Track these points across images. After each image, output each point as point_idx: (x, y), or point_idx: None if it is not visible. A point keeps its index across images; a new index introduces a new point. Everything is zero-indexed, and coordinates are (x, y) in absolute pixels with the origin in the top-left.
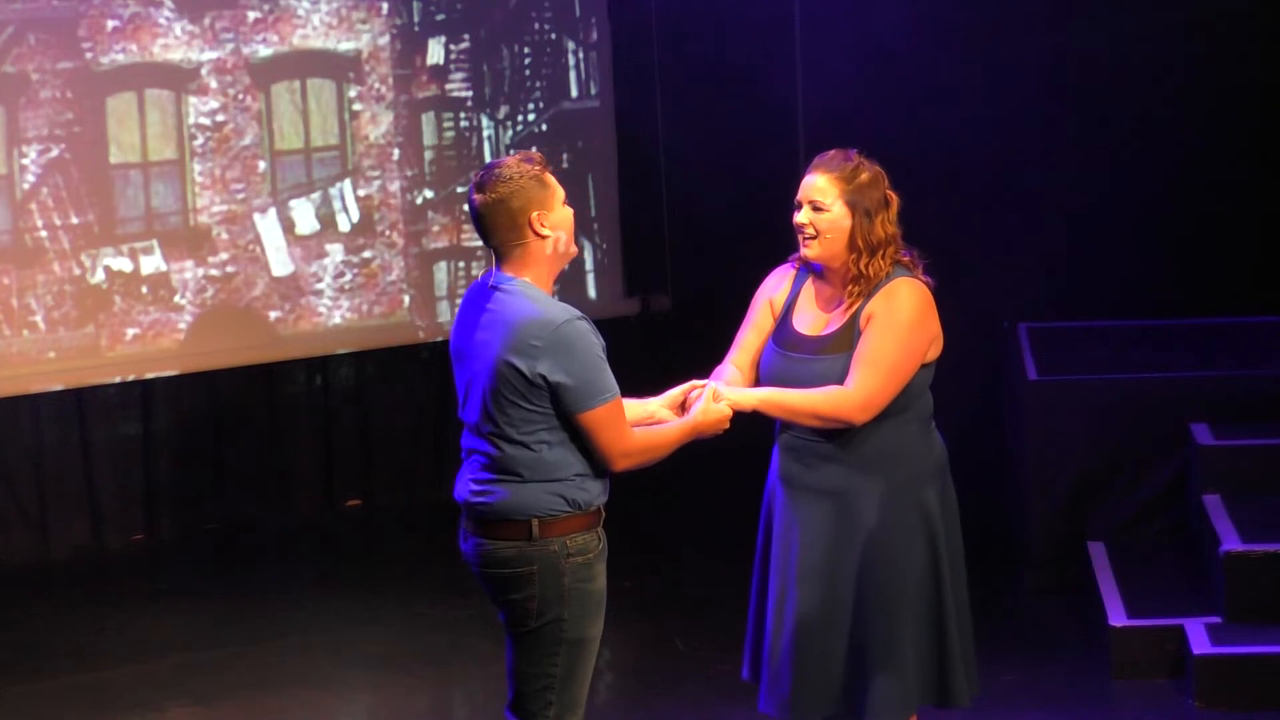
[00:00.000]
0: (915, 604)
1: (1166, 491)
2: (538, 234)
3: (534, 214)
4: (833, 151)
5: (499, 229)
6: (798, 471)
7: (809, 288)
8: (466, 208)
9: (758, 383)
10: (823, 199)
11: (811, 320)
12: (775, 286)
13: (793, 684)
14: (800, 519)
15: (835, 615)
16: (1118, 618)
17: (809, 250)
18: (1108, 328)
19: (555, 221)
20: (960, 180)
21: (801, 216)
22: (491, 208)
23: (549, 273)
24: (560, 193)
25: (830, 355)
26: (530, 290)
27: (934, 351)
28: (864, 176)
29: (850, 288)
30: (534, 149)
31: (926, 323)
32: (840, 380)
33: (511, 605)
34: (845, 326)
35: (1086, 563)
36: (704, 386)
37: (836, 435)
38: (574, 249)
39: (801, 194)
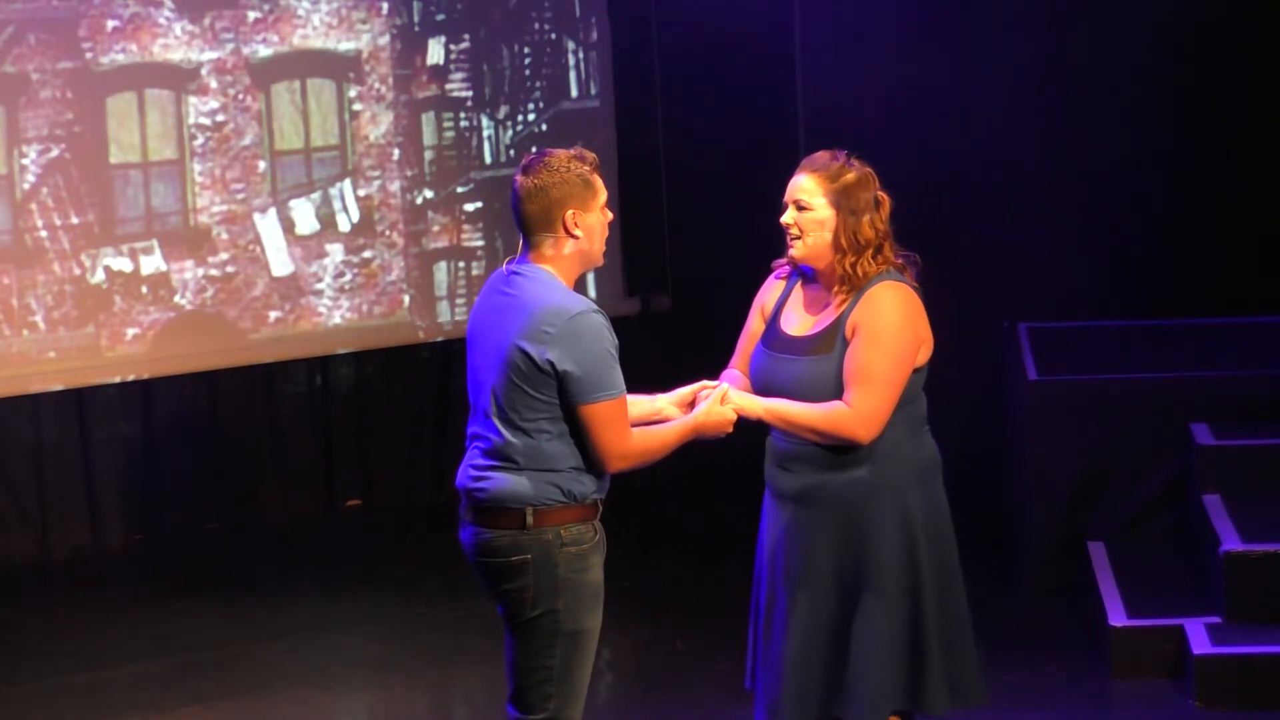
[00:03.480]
0: (892, 603)
1: (1166, 491)
2: (568, 231)
3: (569, 211)
4: (821, 152)
5: (532, 215)
6: (778, 475)
7: (798, 290)
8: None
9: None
10: (807, 198)
11: (798, 321)
12: (768, 291)
13: (783, 688)
14: (784, 523)
15: (818, 617)
16: (1118, 618)
17: (794, 250)
18: (1108, 328)
19: (588, 224)
20: (960, 180)
21: (786, 216)
22: (531, 192)
23: (571, 272)
24: (601, 198)
25: (813, 356)
26: (551, 279)
27: (924, 355)
28: (850, 176)
29: (837, 288)
30: (534, 149)
31: (912, 326)
32: (822, 382)
33: (507, 596)
34: (830, 329)
35: (1086, 563)
36: (714, 387)
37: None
38: (600, 259)
39: (787, 194)
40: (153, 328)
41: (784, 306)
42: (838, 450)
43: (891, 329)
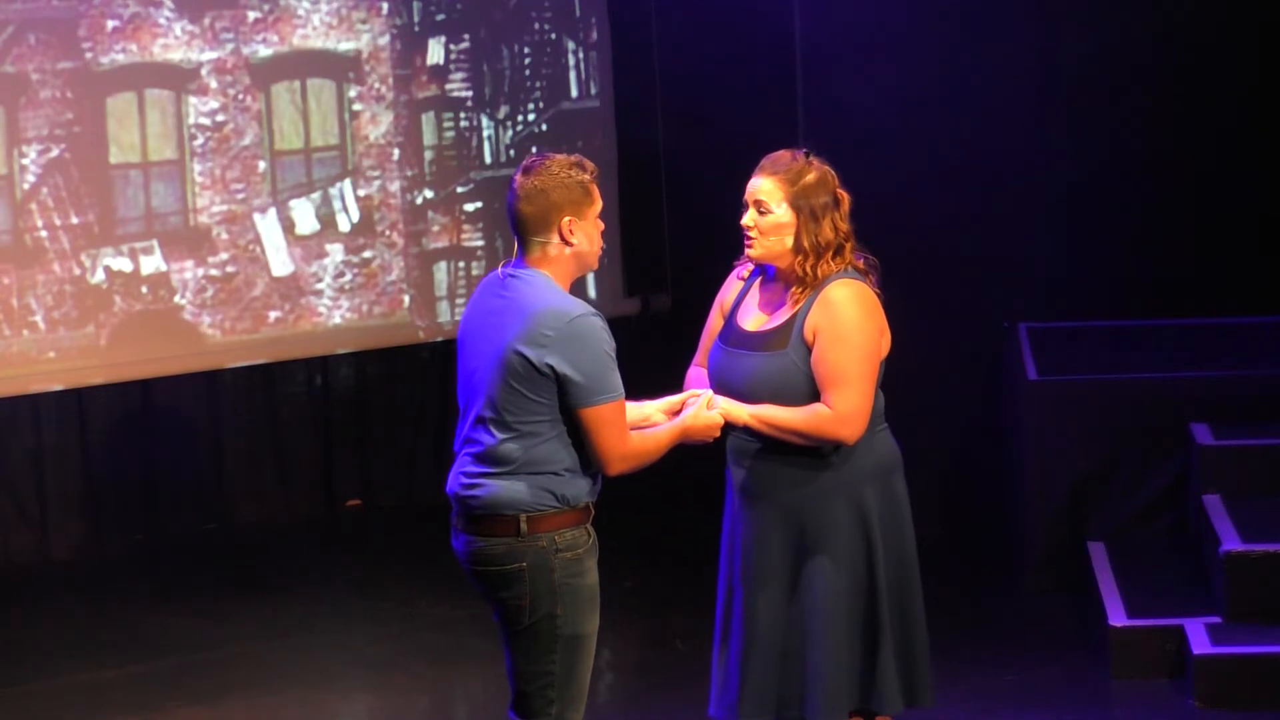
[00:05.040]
0: (847, 602)
1: (1166, 491)
2: (564, 238)
3: (566, 217)
4: (781, 152)
5: (529, 217)
6: (736, 472)
7: (756, 287)
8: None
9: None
10: (767, 200)
11: (754, 317)
12: (728, 289)
13: (740, 686)
14: (742, 521)
15: (775, 615)
16: (1118, 618)
17: (751, 250)
18: (1108, 328)
19: (584, 231)
20: (960, 180)
21: (746, 219)
22: (530, 193)
23: (566, 276)
24: (598, 206)
25: (766, 352)
26: (548, 282)
27: (884, 347)
28: (810, 177)
29: (794, 290)
30: (534, 149)
31: (873, 319)
32: (774, 378)
33: (504, 603)
34: (784, 325)
35: (1086, 563)
36: (700, 395)
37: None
38: (594, 264)
39: (747, 195)
40: (152, 328)
41: (742, 303)
42: (793, 449)
43: (854, 326)
